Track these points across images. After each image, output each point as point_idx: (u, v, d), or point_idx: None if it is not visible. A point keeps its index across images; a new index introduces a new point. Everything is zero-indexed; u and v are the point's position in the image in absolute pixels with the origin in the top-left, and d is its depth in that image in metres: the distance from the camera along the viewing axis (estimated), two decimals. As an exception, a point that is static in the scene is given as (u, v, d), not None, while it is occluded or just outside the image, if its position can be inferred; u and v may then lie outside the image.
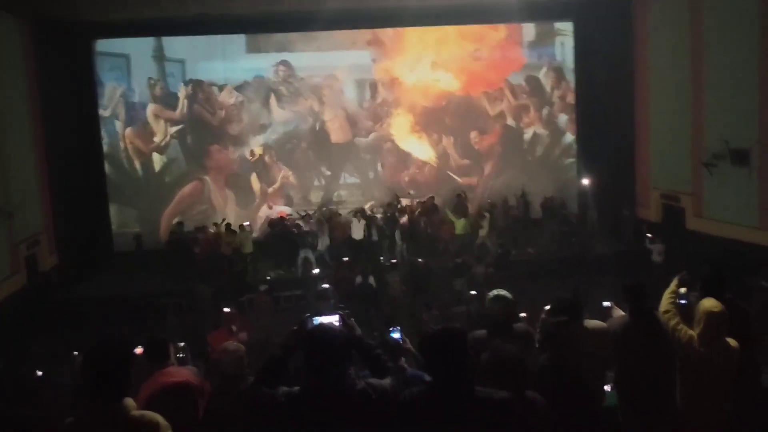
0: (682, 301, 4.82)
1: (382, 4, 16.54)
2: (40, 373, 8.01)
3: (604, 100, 18.53)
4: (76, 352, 8.35)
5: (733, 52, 14.21)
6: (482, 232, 16.98)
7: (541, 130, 19.79)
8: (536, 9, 16.91)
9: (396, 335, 4.48)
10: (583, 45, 19.09)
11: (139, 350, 5.45)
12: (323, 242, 16.97)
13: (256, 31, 18.54)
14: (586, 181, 17.94)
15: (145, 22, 17.02)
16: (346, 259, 15.37)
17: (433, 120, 19.52)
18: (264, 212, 18.89)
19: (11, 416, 3.22)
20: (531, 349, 4.54)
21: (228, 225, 16.98)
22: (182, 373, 4.53)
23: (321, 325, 3.44)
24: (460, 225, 17.40)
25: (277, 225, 17.49)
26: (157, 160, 18.73)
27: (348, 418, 2.99)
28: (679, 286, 4.91)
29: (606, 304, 7.22)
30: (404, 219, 17.40)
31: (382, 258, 16.00)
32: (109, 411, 2.95)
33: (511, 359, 3.42)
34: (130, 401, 3.01)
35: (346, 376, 3.11)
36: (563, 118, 19.77)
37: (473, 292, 13.45)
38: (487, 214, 17.31)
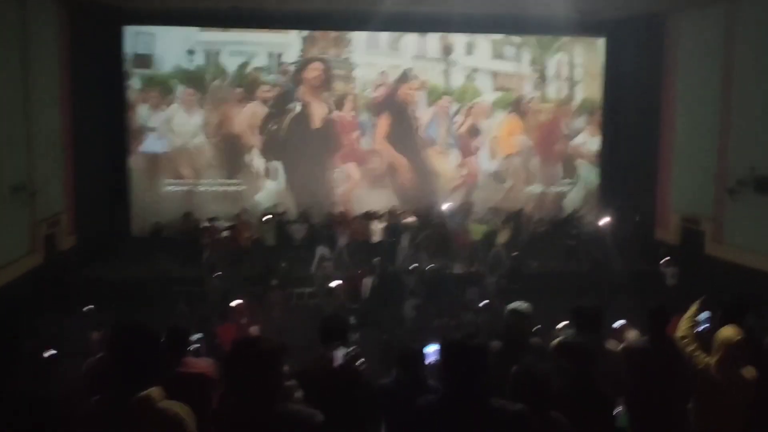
0: (702, 327, 4.79)
1: (421, 9, 16.53)
2: (52, 351, 8.02)
3: (630, 119, 18.55)
4: (95, 333, 8.37)
5: (764, 79, 14.12)
6: (501, 241, 16.91)
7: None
8: (570, 24, 16.91)
9: (431, 349, 4.53)
10: (613, 61, 19.12)
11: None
12: (342, 240, 16.98)
13: (286, 27, 18.61)
14: (604, 220, 17.67)
15: (175, 12, 17.15)
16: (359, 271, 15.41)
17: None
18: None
19: (25, 395, 3.19)
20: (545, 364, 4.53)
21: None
22: (200, 364, 4.52)
23: None
24: (479, 230, 17.38)
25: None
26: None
27: None
28: (699, 311, 4.88)
29: (618, 323, 7.20)
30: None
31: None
32: (135, 399, 2.87)
33: (540, 377, 3.41)
34: (157, 391, 2.93)
35: None
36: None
37: (484, 302, 13.41)
38: (509, 224, 17.31)
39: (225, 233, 16.80)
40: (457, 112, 19.72)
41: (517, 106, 19.84)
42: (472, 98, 19.73)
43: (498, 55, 19.79)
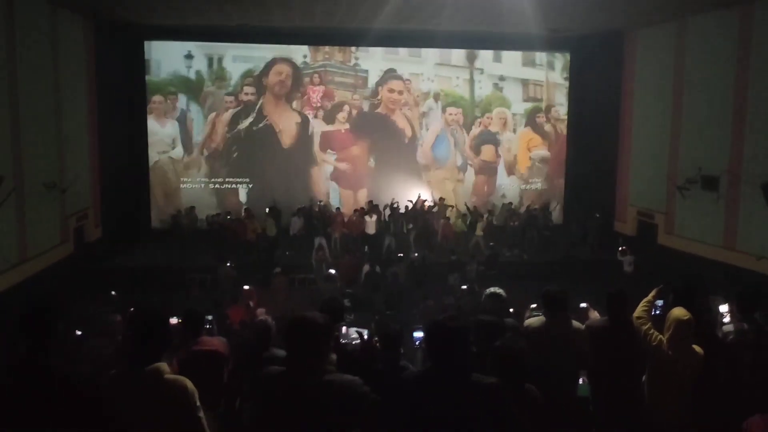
0: (657, 312, 4.81)
1: (401, 26, 16.46)
2: (79, 333, 7.98)
3: (592, 124, 18.59)
4: (118, 316, 8.32)
5: (710, 89, 14.23)
6: (479, 232, 16.95)
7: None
8: (538, 40, 17.01)
9: (418, 334, 4.55)
10: (577, 75, 19.13)
11: (173, 321, 5.46)
12: (336, 234, 16.96)
13: (289, 42, 18.42)
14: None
15: (190, 28, 17.04)
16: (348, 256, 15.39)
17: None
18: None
19: (58, 370, 3.20)
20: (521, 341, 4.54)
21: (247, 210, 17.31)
22: (213, 342, 4.55)
23: None
24: (461, 224, 17.37)
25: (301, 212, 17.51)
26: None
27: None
28: (656, 297, 4.91)
29: (582, 305, 7.25)
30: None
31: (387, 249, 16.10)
32: (145, 372, 2.97)
33: (517, 353, 3.42)
34: (164, 365, 3.03)
35: None
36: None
37: (464, 287, 13.44)
38: (484, 217, 17.35)
39: (233, 226, 16.79)
40: (473, 122, 18.94)
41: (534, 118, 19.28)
42: (496, 107, 18.87)
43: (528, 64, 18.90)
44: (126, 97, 17.46)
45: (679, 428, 4.44)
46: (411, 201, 17.94)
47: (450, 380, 2.95)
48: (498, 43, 18.57)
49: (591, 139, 18.62)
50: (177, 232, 16.98)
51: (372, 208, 17.52)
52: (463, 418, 2.86)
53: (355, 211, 17.56)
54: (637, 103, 17.40)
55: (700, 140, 14.58)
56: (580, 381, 5.02)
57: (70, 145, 14.53)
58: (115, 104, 16.76)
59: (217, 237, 16.67)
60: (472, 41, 18.52)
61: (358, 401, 2.85)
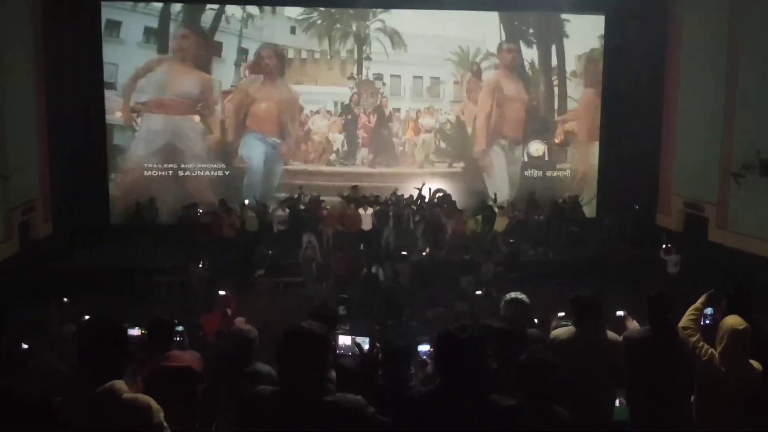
0: (707, 321, 4.78)
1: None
2: (25, 345, 7.96)
3: (631, 100, 18.51)
4: (72, 326, 8.31)
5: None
6: (499, 228, 17.00)
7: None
8: (567, 1, 16.97)
9: (424, 348, 4.56)
10: (614, 41, 19.01)
11: (136, 332, 5.46)
12: (328, 230, 16.92)
13: (278, 3, 18.59)
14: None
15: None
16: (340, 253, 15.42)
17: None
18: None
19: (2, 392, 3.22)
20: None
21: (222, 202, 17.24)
22: (185, 357, 4.55)
23: None
24: (475, 222, 17.42)
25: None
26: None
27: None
28: (706, 304, 4.87)
29: (619, 313, 7.23)
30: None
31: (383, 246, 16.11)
32: (100, 392, 2.97)
33: (542, 365, 3.43)
34: (120, 383, 3.03)
35: None
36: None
37: (480, 292, 13.44)
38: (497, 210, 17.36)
39: (205, 220, 16.79)
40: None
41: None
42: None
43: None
44: (82, 69, 17.23)
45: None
46: (417, 188, 17.94)
47: (462, 400, 2.95)
48: (521, 3, 18.60)
49: (629, 116, 18.52)
50: (139, 227, 16.98)
51: (369, 199, 17.51)
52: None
53: (350, 202, 17.52)
54: (684, 74, 17.32)
55: (759, 118, 14.52)
56: (617, 403, 5.00)
57: (13, 127, 14.47)
58: (69, 77, 16.60)
59: (188, 233, 16.67)
60: (495, 2, 18.61)
61: (363, 425, 2.88)
